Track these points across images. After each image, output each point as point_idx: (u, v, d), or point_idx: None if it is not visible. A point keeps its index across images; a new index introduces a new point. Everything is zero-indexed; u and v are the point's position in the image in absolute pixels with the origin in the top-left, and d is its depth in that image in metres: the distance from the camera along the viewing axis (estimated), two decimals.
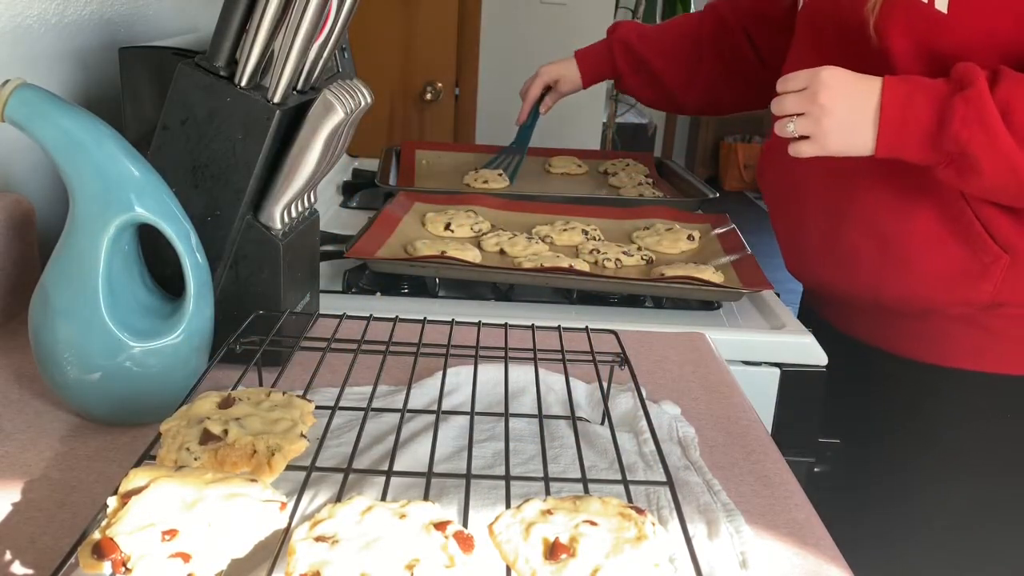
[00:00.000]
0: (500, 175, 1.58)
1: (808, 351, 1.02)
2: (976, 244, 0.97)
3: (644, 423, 0.70)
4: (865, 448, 1.12)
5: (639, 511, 0.47)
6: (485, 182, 1.55)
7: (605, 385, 0.70)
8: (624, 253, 1.20)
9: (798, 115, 0.92)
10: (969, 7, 0.90)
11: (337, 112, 0.75)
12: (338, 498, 0.51)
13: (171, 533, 0.42)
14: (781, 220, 1.19)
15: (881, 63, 0.95)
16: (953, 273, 0.99)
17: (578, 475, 0.55)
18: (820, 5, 1.07)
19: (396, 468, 0.56)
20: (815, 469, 1.05)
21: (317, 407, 0.59)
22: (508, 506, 0.48)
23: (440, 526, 0.44)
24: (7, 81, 0.64)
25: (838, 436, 1.10)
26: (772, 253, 1.25)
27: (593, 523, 0.46)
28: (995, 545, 1.07)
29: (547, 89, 1.53)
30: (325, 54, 0.78)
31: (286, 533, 0.46)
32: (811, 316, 1.22)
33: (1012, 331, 1.02)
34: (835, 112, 0.89)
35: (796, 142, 0.93)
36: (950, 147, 0.87)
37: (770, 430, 0.99)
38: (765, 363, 1.02)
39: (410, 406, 0.67)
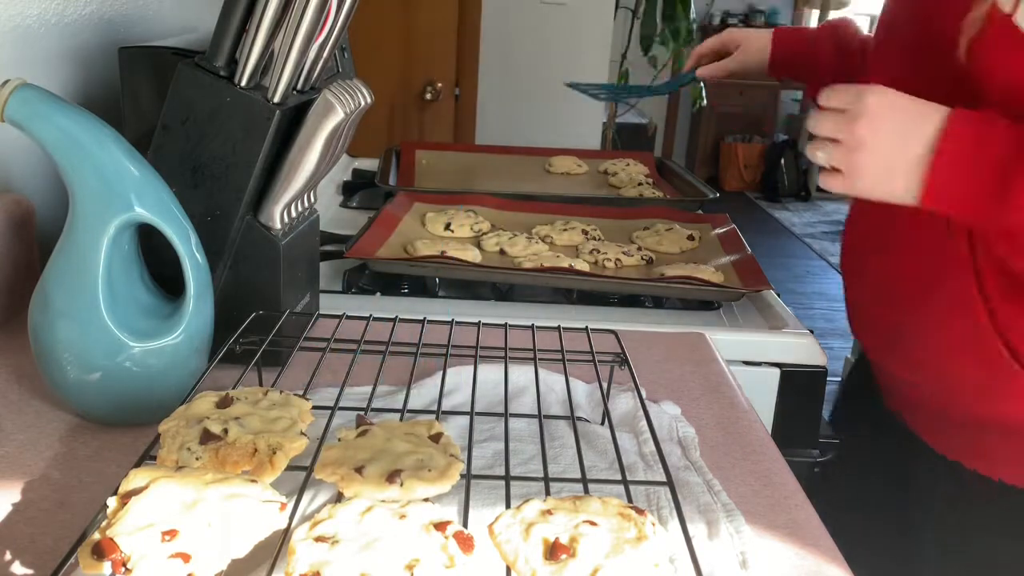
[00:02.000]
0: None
1: (808, 351, 1.02)
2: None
3: (644, 423, 0.70)
4: (868, 448, 1.12)
5: (639, 511, 0.47)
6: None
7: (605, 385, 0.70)
8: (624, 253, 1.20)
9: (833, 140, 0.74)
10: None
11: (337, 112, 0.75)
12: (338, 498, 0.51)
13: (171, 533, 0.42)
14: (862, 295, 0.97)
15: (965, 87, 0.75)
16: None
17: (578, 475, 0.55)
18: (899, 7, 0.90)
19: None
20: (815, 469, 1.05)
21: (317, 407, 0.59)
22: (508, 506, 0.48)
23: (440, 526, 0.44)
24: (7, 81, 0.64)
25: (839, 436, 1.09)
26: (772, 253, 1.24)
27: (593, 523, 0.45)
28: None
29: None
30: (325, 54, 0.78)
31: (286, 533, 0.46)
32: (864, 380, 1.05)
33: None
34: (873, 148, 0.72)
35: (827, 173, 0.76)
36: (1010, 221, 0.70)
37: (770, 430, 0.99)
38: (765, 363, 1.02)
39: (410, 406, 0.67)
